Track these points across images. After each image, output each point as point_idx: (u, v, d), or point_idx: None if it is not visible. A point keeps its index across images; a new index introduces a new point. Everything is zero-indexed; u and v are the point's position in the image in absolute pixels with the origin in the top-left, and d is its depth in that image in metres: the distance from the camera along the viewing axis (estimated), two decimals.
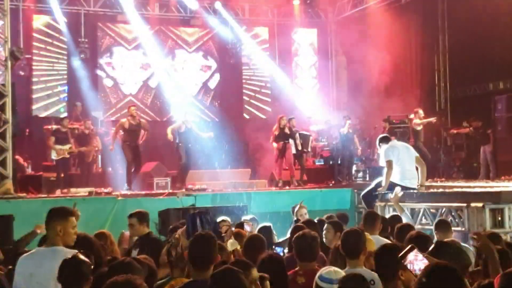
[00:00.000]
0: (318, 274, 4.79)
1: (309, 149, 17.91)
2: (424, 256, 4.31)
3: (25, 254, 5.00)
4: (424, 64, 19.29)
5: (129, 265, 4.46)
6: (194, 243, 4.65)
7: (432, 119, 16.75)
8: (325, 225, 7.17)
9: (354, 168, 17.41)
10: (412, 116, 16.77)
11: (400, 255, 4.36)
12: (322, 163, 18.59)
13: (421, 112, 16.56)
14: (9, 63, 13.51)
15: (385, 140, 11.01)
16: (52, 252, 4.79)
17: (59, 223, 4.93)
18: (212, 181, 16.59)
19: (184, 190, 14.64)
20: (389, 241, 6.33)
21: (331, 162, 18.07)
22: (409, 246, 4.41)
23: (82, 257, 4.34)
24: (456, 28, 18.28)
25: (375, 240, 6.10)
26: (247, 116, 21.92)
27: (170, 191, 15.09)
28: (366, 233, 5.67)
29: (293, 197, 13.47)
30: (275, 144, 16.61)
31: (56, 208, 5.15)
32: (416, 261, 4.25)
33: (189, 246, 4.66)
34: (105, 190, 15.22)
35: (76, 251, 4.52)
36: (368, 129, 19.10)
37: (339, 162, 17.58)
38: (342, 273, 4.75)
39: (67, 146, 15.25)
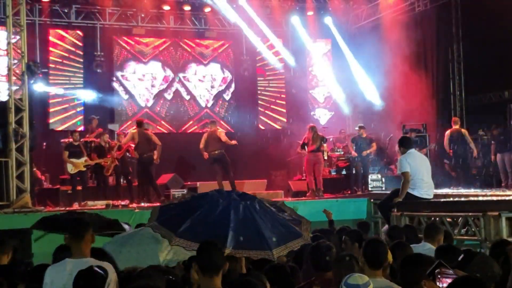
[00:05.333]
0: (343, 281, 4.79)
1: (325, 158, 17.87)
2: (452, 270, 4.30)
3: (52, 265, 5.02)
4: (439, 72, 19.22)
5: (149, 274, 4.50)
6: (202, 250, 4.65)
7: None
8: (343, 238, 7.16)
9: (370, 177, 17.36)
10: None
11: (428, 271, 4.34)
12: (341, 173, 18.55)
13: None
14: (26, 77, 13.67)
15: (405, 143, 10.90)
16: (86, 264, 4.80)
17: (90, 233, 5.01)
18: None
19: None
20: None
21: (347, 172, 18.06)
22: (437, 261, 4.39)
23: (97, 269, 4.40)
24: (470, 36, 18.22)
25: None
26: (262, 127, 21.95)
27: None
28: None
29: (309, 207, 13.48)
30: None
31: (83, 218, 5.22)
32: (444, 275, 4.24)
33: (197, 253, 4.69)
34: (122, 203, 15.33)
35: (108, 263, 4.61)
36: (383, 138, 19.06)
37: (354, 171, 17.56)
38: (366, 278, 4.74)
39: (82, 159, 15.33)
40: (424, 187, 10.47)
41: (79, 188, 15.55)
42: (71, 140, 15.80)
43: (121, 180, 16.53)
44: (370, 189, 17.00)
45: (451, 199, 11.51)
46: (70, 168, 15.31)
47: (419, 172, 10.38)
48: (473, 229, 9.53)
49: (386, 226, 10.09)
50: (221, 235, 5.01)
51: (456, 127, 16.64)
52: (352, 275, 4.79)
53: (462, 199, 11.52)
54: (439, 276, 4.29)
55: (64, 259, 5.09)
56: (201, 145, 16.32)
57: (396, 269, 5.44)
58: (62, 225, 6.65)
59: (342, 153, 18.78)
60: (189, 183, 17.62)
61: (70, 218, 6.53)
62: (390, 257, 5.57)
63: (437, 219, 9.97)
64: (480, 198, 11.36)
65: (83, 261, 4.89)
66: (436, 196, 11.05)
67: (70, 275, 4.75)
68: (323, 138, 16.64)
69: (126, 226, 7.70)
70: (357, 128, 17.82)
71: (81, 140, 16.08)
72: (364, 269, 5.15)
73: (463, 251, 5.57)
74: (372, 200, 14.15)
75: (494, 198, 10.96)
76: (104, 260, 5.20)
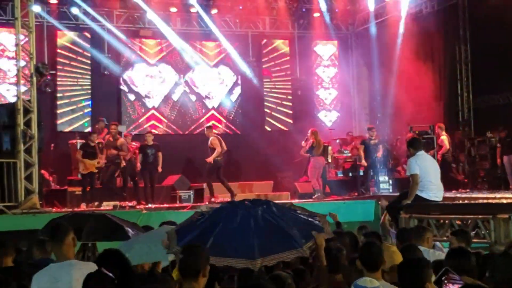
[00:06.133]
0: (353, 284, 4.80)
1: (329, 160, 17.88)
2: (460, 277, 4.29)
3: (38, 272, 5.02)
4: (446, 74, 19.20)
5: (156, 277, 4.50)
6: (182, 254, 4.64)
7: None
8: (361, 238, 7.17)
9: (380, 179, 17.38)
10: None
11: (435, 279, 4.34)
12: (347, 174, 18.55)
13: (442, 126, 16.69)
14: (34, 79, 13.71)
15: (415, 144, 10.88)
16: (69, 266, 4.85)
17: (71, 236, 5.02)
18: (234, 193, 16.60)
19: (207, 203, 14.71)
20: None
21: (353, 174, 18.06)
22: (443, 269, 4.39)
23: (105, 271, 4.41)
24: (478, 38, 18.19)
25: (425, 253, 6.08)
26: (268, 129, 21.96)
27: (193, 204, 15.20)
28: (389, 245, 5.66)
29: (316, 209, 13.44)
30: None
31: (62, 223, 5.24)
32: (451, 281, 4.23)
33: (181, 256, 4.68)
34: (129, 204, 15.37)
35: (93, 263, 4.61)
36: (390, 140, 19.04)
37: (361, 173, 17.55)
38: (376, 283, 4.74)
39: (95, 161, 15.36)
40: (433, 189, 10.43)
41: (89, 189, 15.58)
42: (88, 141, 15.73)
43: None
44: (378, 191, 17.00)
45: (461, 201, 11.48)
46: (82, 168, 15.34)
47: (428, 174, 10.34)
48: (482, 232, 9.50)
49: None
50: (247, 245, 4.98)
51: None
52: (363, 278, 4.81)
53: (472, 201, 11.50)
54: (446, 282, 4.29)
55: (49, 265, 5.12)
56: (225, 147, 16.36)
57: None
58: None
59: (349, 155, 18.76)
60: (195, 184, 17.63)
61: (54, 223, 6.50)
62: (399, 259, 5.57)
63: (447, 221, 9.95)
64: (490, 201, 11.34)
65: (66, 264, 4.91)
66: (444, 198, 11.03)
67: (54, 278, 4.81)
68: (325, 146, 16.85)
69: (130, 232, 7.57)
70: (366, 129, 17.81)
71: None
72: (364, 273, 5.17)
73: (474, 254, 5.56)
74: (380, 202, 14.10)
75: (504, 201, 10.93)
76: (115, 260, 5.20)
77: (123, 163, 16.00)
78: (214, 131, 17.43)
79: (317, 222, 5.42)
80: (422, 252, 6.14)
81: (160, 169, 16.18)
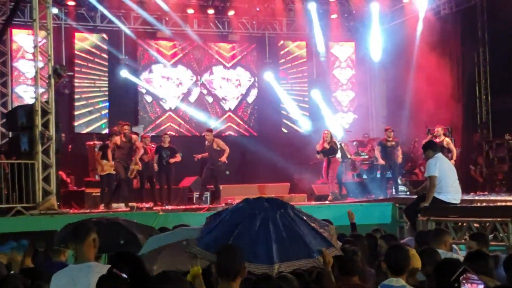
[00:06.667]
0: (380, 285, 4.78)
1: (349, 156, 17.79)
2: (480, 278, 4.24)
3: (57, 272, 4.97)
4: (465, 76, 19.08)
5: (169, 277, 4.48)
6: (220, 255, 4.65)
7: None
8: (378, 241, 7.13)
9: (399, 181, 17.29)
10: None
11: (452, 278, 4.29)
12: (363, 176, 18.49)
13: (438, 130, 16.44)
14: (52, 80, 13.75)
15: (433, 146, 10.82)
16: (88, 268, 4.80)
17: (92, 237, 4.99)
18: (251, 196, 16.51)
19: (224, 205, 14.68)
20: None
21: (370, 176, 17.99)
22: (461, 268, 4.34)
23: (118, 272, 4.39)
24: (496, 39, 18.06)
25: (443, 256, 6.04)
26: (285, 130, 21.93)
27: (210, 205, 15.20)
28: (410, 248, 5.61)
29: (333, 211, 13.40)
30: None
31: (85, 223, 5.22)
32: (469, 281, 4.18)
33: (217, 257, 4.68)
34: (146, 205, 15.38)
35: (110, 266, 4.58)
36: (408, 142, 18.94)
37: (378, 175, 17.48)
38: (402, 282, 4.71)
39: (113, 162, 15.40)
40: (451, 191, 10.37)
41: (106, 190, 15.62)
42: (107, 142, 15.78)
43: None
44: (395, 193, 16.92)
45: (479, 204, 11.38)
46: (100, 169, 15.39)
47: (447, 176, 10.28)
48: (501, 235, 9.43)
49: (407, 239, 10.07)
50: (266, 250, 4.97)
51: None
52: (389, 279, 4.81)
53: (490, 204, 11.40)
54: (464, 282, 4.24)
55: (68, 266, 5.08)
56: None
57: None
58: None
59: (366, 157, 18.69)
60: (212, 186, 17.62)
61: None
62: (418, 263, 5.53)
63: (465, 224, 9.88)
64: (509, 204, 11.22)
65: (85, 266, 4.83)
66: (462, 201, 10.95)
67: (73, 280, 4.75)
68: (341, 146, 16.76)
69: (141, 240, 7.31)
70: (384, 131, 17.72)
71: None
72: (388, 276, 5.14)
73: (492, 257, 5.51)
74: (397, 205, 14.03)
75: None
76: (128, 260, 5.19)
77: (140, 165, 16.02)
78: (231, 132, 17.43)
79: (326, 235, 5.38)
80: (440, 255, 6.09)
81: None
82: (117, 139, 15.28)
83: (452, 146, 16.18)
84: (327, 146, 16.31)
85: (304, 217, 5.48)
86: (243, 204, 5.60)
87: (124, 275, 4.39)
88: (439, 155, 10.56)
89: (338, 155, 16.68)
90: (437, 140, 15.86)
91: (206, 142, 16.36)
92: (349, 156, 17.70)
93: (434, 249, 6.29)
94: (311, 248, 5.07)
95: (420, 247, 6.50)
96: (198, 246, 5.12)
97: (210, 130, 16.88)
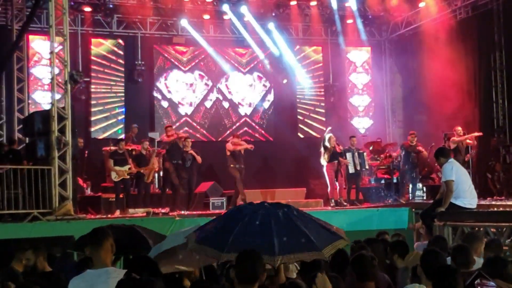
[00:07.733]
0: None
1: (367, 167, 17.76)
2: (496, 282, 4.21)
3: (75, 277, 4.98)
4: (481, 80, 18.96)
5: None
6: (240, 259, 4.64)
7: (474, 134, 16.63)
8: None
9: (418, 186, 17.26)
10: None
11: (467, 282, 4.27)
12: (380, 181, 18.41)
13: (459, 129, 16.39)
14: (68, 86, 13.83)
15: (445, 153, 10.77)
16: (106, 273, 4.80)
17: (110, 242, 4.98)
18: (267, 201, 16.50)
19: None
20: None
21: (387, 181, 17.92)
22: (476, 272, 4.31)
23: (137, 277, 4.40)
24: None
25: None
26: (301, 136, 21.89)
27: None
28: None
29: (350, 216, 13.38)
30: (324, 162, 16.68)
31: (103, 227, 5.23)
32: (484, 286, 4.16)
33: (236, 262, 4.66)
34: (163, 211, 15.41)
35: (127, 270, 4.59)
36: (424, 147, 18.83)
37: (395, 180, 17.40)
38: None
39: (126, 167, 15.47)
40: (467, 196, 10.31)
41: (122, 195, 15.67)
42: (116, 148, 15.90)
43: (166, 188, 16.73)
44: (411, 198, 16.85)
45: (495, 209, 11.31)
46: (114, 176, 15.46)
47: (463, 181, 10.23)
48: None
49: (417, 243, 10.03)
50: (267, 243, 4.98)
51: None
52: (412, 284, 4.80)
53: (507, 209, 11.32)
54: (479, 286, 4.21)
55: (86, 271, 5.06)
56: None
57: None
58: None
59: (383, 162, 18.61)
60: (228, 191, 17.64)
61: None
62: None
63: (481, 229, 9.80)
64: None
65: (103, 272, 4.84)
66: (479, 206, 10.88)
67: (91, 285, 4.75)
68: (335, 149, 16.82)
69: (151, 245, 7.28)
70: (407, 135, 17.75)
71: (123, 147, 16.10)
72: (421, 279, 5.10)
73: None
74: (413, 210, 13.96)
75: None
76: (144, 264, 5.20)
77: (156, 169, 16.06)
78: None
79: (335, 231, 5.41)
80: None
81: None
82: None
83: (472, 141, 16.36)
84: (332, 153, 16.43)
85: (309, 216, 5.52)
86: (245, 205, 5.66)
87: (145, 279, 4.39)
88: (452, 160, 10.51)
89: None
90: (458, 139, 15.94)
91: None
92: (367, 167, 17.67)
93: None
94: (315, 242, 5.06)
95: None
96: (196, 241, 5.13)
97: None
